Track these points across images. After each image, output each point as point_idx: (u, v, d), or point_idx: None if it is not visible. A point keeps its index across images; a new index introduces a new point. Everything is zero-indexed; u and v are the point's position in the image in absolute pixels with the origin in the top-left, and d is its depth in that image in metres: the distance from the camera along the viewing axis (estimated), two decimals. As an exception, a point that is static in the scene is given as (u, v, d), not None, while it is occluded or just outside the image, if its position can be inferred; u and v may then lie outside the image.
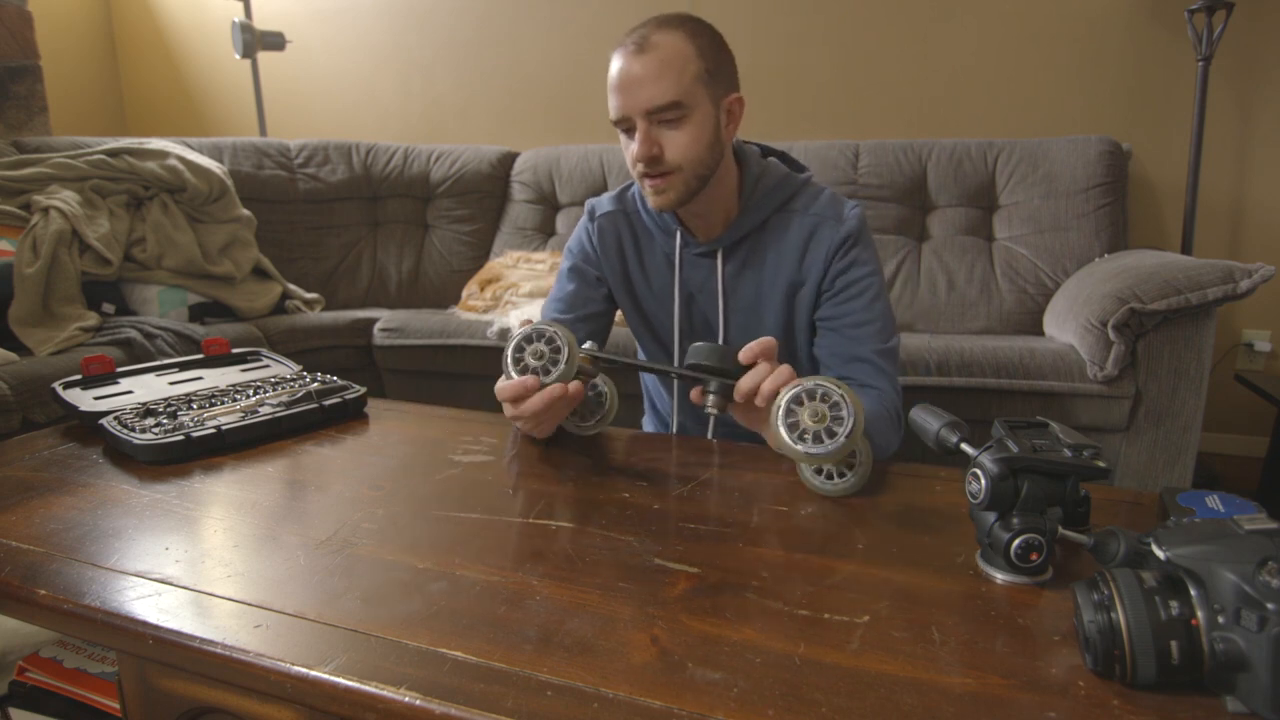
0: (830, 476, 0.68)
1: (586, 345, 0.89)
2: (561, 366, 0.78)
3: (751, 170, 1.09)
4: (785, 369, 0.79)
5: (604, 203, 1.19)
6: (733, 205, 1.09)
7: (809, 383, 0.67)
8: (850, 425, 0.66)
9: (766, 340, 0.81)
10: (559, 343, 0.78)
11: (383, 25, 2.89)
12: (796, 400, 0.68)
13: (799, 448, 0.69)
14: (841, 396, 0.66)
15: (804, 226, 1.09)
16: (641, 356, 1.31)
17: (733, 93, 1.03)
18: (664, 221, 1.13)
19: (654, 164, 0.99)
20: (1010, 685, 0.51)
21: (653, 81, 0.96)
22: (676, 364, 1.17)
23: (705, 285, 1.13)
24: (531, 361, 0.79)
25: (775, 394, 0.76)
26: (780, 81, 2.52)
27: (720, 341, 1.13)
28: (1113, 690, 0.50)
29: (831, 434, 0.67)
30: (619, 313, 1.23)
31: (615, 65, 0.99)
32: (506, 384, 0.83)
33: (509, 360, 0.80)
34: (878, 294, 1.08)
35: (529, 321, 0.85)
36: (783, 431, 0.69)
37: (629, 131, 1.01)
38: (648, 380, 1.33)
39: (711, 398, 0.80)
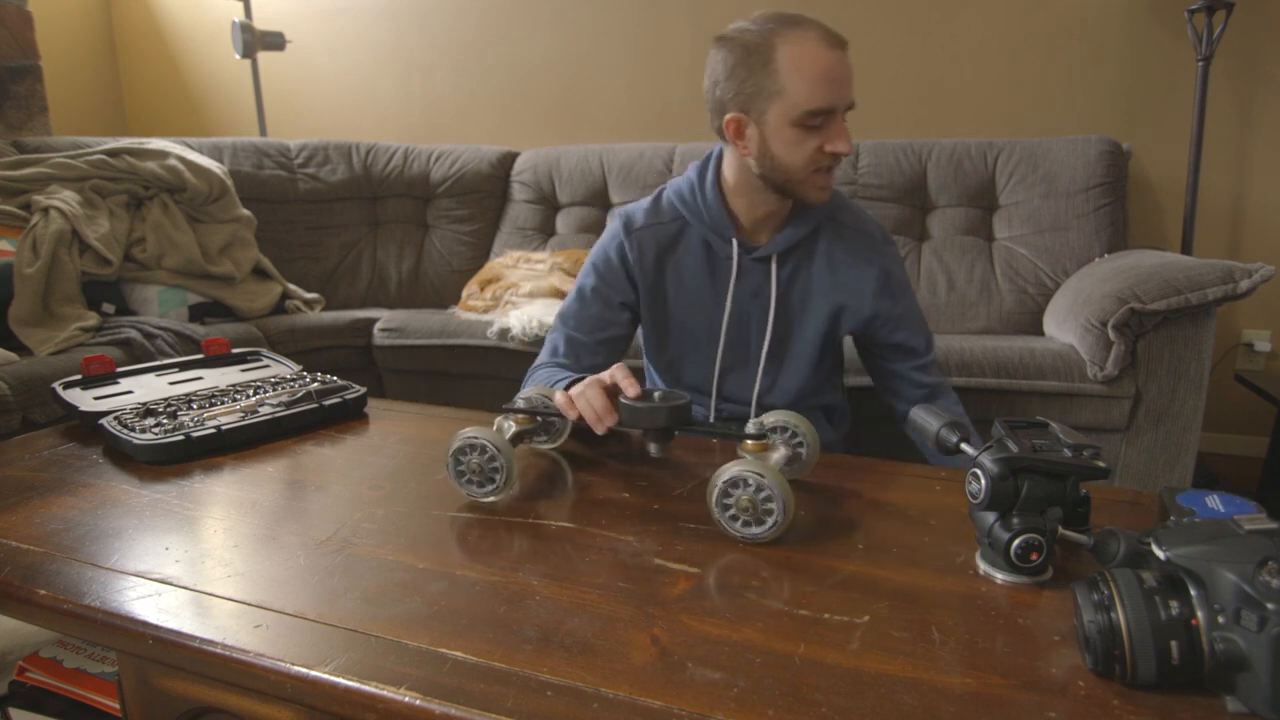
0: (748, 525, 0.71)
1: (523, 396, 0.92)
2: (500, 480, 0.80)
3: None
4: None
5: (638, 216, 1.16)
6: (785, 211, 1.12)
7: (736, 469, 0.70)
8: (779, 513, 0.69)
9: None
10: (499, 461, 0.79)
11: (383, 25, 2.89)
12: (733, 484, 0.70)
13: (732, 532, 0.72)
14: (772, 486, 0.69)
15: (852, 246, 1.14)
16: (653, 373, 1.29)
17: None
18: (719, 226, 1.12)
19: (840, 158, 1.03)
20: (1010, 685, 0.51)
21: (853, 78, 1.01)
22: (719, 367, 1.17)
23: (760, 290, 1.13)
24: (472, 474, 0.80)
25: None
26: (780, 81, 2.52)
27: (765, 347, 1.15)
28: (1113, 690, 0.50)
29: (766, 517, 0.70)
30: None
31: (822, 53, 0.97)
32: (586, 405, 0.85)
33: (451, 469, 0.81)
34: (916, 312, 1.20)
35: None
36: (716, 512, 0.72)
37: (815, 127, 1.00)
38: (656, 376, 1.32)
39: (653, 446, 0.84)
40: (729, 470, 0.70)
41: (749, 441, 0.79)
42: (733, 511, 0.71)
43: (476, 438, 0.78)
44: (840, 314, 1.15)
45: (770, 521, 0.70)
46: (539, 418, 0.92)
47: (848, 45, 0.99)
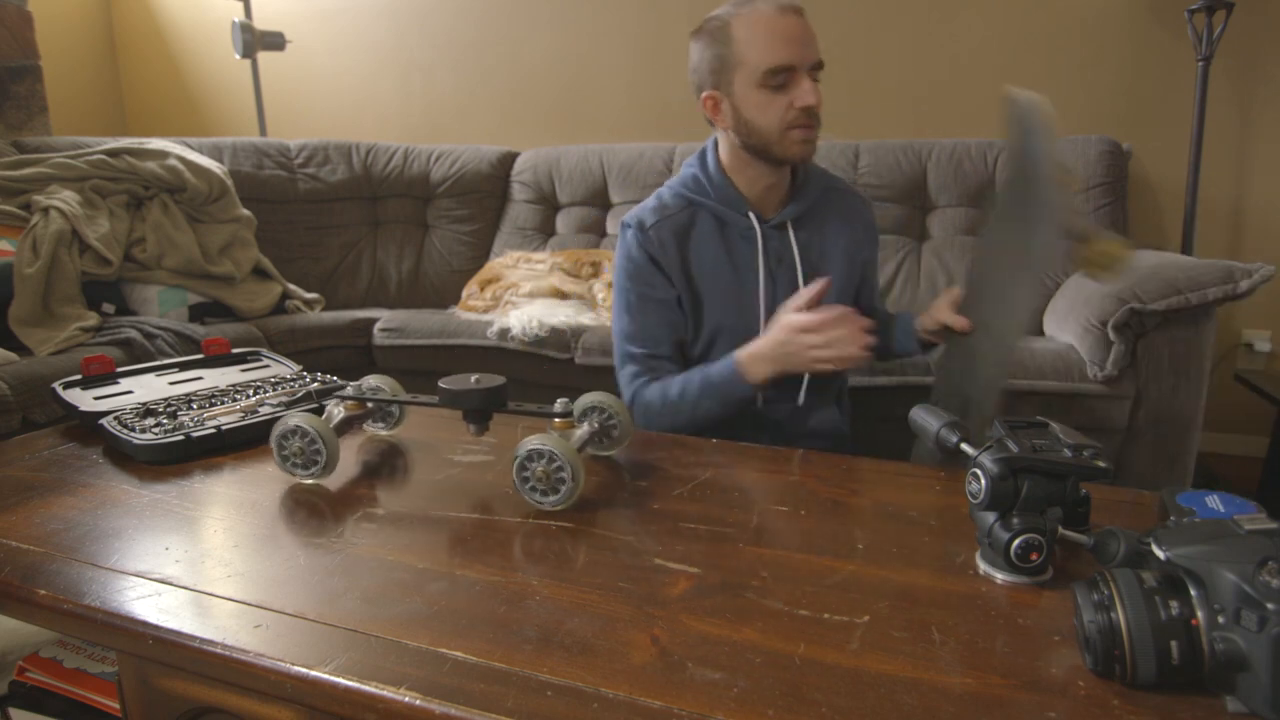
0: (544, 494, 0.77)
1: (353, 386, 0.96)
2: (321, 462, 0.83)
3: None
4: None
5: (647, 215, 1.19)
6: (785, 184, 1.18)
7: (534, 443, 0.75)
8: (570, 484, 0.75)
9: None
10: (319, 445, 0.82)
11: (383, 25, 2.89)
12: (530, 457, 0.75)
13: (530, 501, 0.78)
14: (564, 459, 0.75)
15: (850, 204, 1.26)
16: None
17: None
18: (731, 201, 1.17)
19: (813, 113, 1.08)
20: (1010, 685, 0.51)
21: (814, 40, 1.07)
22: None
23: (783, 256, 1.19)
24: (295, 457, 0.83)
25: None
26: (780, 81, 2.52)
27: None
28: (1113, 690, 0.50)
29: (559, 487, 0.76)
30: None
31: (773, 16, 1.05)
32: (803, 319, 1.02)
33: (276, 453, 0.84)
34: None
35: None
36: (516, 482, 0.77)
37: (779, 87, 1.06)
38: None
39: (473, 427, 0.89)
40: (527, 444, 0.75)
41: (557, 420, 0.86)
42: (531, 482, 0.76)
43: (298, 423, 0.82)
44: (854, 261, 1.23)
45: (563, 490, 0.75)
46: (369, 404, 0.96)
47: (803, 11, 1.07)
